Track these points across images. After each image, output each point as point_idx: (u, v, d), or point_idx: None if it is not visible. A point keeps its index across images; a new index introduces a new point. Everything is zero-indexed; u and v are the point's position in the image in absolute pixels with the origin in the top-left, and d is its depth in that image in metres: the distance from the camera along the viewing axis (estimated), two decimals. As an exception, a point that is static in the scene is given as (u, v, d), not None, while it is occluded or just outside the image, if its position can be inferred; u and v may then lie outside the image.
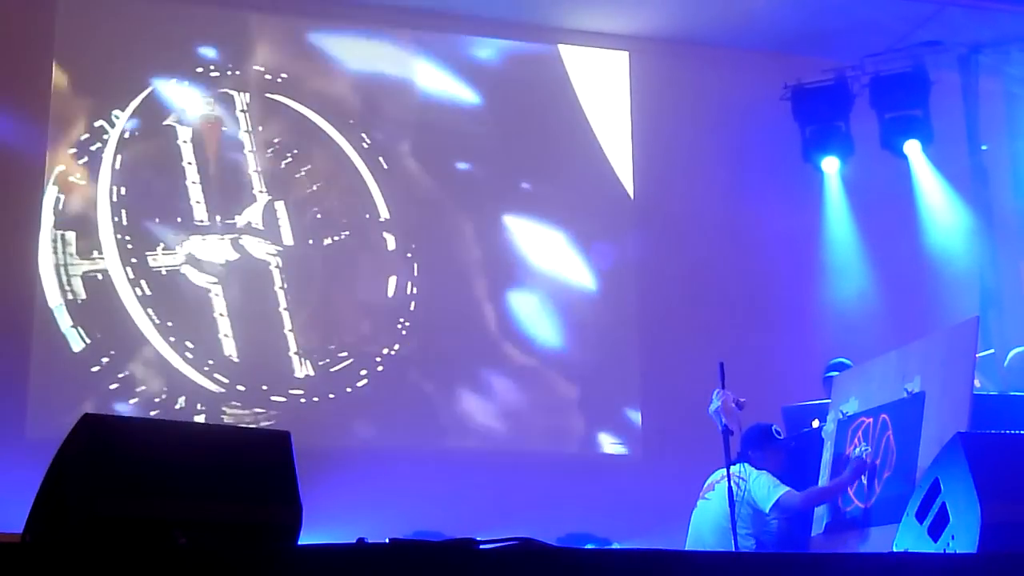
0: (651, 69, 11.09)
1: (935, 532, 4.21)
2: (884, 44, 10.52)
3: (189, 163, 10.07)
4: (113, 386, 9.55)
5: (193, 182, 10.04)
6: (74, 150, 9.85)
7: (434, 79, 10.72)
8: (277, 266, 10.09)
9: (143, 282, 9.78)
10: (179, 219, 9.95)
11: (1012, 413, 6.26)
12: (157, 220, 9.92)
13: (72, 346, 9.51)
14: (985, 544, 3.90)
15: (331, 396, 9.95)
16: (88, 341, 9.56)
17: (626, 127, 10.99)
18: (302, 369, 9.99)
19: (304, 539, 3.66)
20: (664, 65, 11.07)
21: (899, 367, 6.11)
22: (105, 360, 9.56)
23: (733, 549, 6.30)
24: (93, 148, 9.87)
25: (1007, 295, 10.84)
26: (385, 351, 10.17)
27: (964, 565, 3.79)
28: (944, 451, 4.30)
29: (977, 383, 6.23)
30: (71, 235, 9.75)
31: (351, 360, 10.10)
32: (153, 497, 3.50)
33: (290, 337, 10.00)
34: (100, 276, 9.71)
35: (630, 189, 10.89)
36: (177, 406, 9.60)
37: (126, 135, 10.00)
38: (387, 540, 3.40)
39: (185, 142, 10.09)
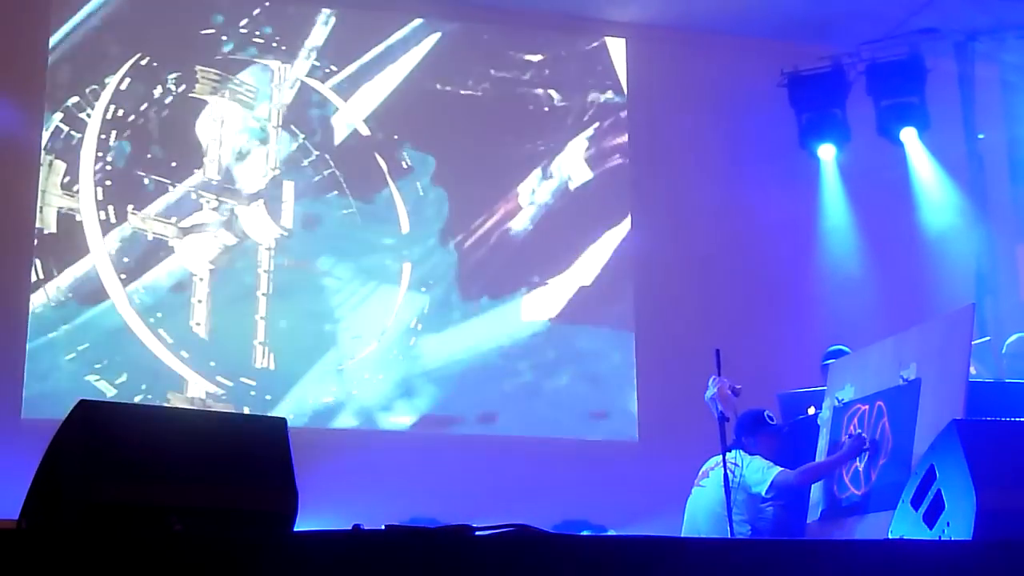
0: (648, 56, 11.09)
1: (930, 519, 4.22)
2: (880, 31, 10.52)
3: (210, 123, 10.01)
4: (52, 334, 9.43)
5: (209, 148, 9.96)
6: (95, 87, 9.81)
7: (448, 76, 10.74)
8: (269, 248, 9.99)
9: (117, 235, 9.66)
10: (179, 182, 9.87)
11: (1008, 400, 6.27)
12: (154, 177, 9.81)
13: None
14: (980, 531, 3.90)
15: (285, 407, 9.65)
16: (42, 276, 9.48)
17: (623, 114, 10.98)
18: (263, 360, 9.80)
19: (300, 526, 3.66)
20: (661, 52, 11.07)
21: (895, 354, 6.11)
22: (53, 304, 9.45)
23: (728, 536, 6.31)
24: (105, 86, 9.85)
25: (1003, 282, 10.86)
26: (366, 375, 9.99)
27: (959, 552, 3.79)
28: (940, 438, 4.30)
29: (973, 370, 6.23)
30: (60, 164, 9.65)
31: (323, 374, 9.90)
32: (149, 483, 3.50)
33: (260, 325, 9.85)
34: (77, 216, 9.62)
35: (627, 176, 10.89)
36: (119, 379, 9.45)
37: (144, 86, 9.93)
38: (383, 526, 3.39)
39: (215, 118, 10.03)
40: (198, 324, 9.70)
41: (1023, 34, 10.56)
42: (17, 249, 9.51)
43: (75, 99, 9.79)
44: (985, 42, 10.82)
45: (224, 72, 10.13)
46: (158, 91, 9.98)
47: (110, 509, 3.41)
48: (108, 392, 9.38)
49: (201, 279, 9.80)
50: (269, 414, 9.22)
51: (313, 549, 3.23)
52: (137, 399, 9.42)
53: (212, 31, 10.20)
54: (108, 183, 9.77)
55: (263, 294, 9.92)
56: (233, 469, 3.68)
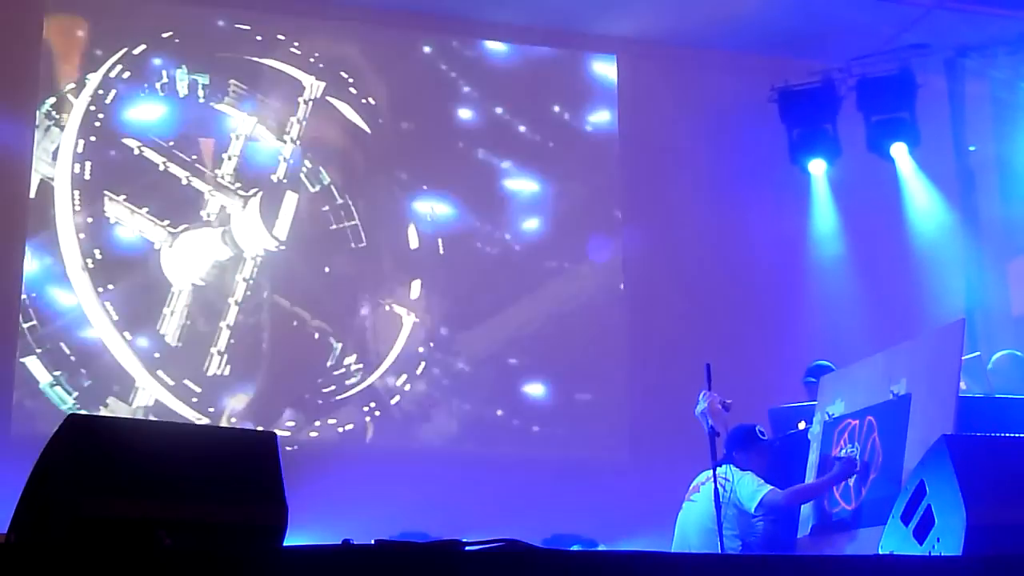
0: (640, 71, 11.10)
1: (920, 534, 4.21)
2: (871, 47, 10.55)
3: (226, 128, 9.94)
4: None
5: (219, 148, 9.89)
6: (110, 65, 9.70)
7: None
8: (254, 257, 9.91)
9: (93, 221, 9.51)
10: (179, 176, 9.77)
11: (998, 416, 6.27)
12: (150, 160, 9.71)
13: None
14: (970, 547, 3.90)
15: (232, 420, 9.42)
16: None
17: (614, 129, 11.00)
18: (215, 368, 9.60)
19: (289, 540, 3.65)
20: (652, 67, 11.09)
21: (885, 369, 6.12)
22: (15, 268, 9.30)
23: (719, 551, 6.30)
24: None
25: (993, 297, 10.87)
26: (332, 420, 9.75)
27: (949, 567, 3.79)
28: (930, 453, 4.30)
29: (963, 385, 6.24)
30: (56, 131, 9.55)
31: (289, 401, 9.69)
32: (138, 497, 3.49)
33: (223, 332, 9.68)
34: (54, 184, 9.51)
35: (618, 190, 10.90)
36: (57, 370, 9.24)
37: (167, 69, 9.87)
38: (373, 541, 3.39)
39: (233, 129, 9.98)
40: (164, 334, 9.55)
41: (1013, 51, 10.59)
42: (7, 256, 9.47)
43: (97, 74, 9.73)
44: (975, 58, 10.86)
45: (254, 81, 10.08)
46: (183, 89, 9.91)
47: (99, 523, 3.39)
48: (42, 378, 9.21)
49: (180, 292, 9.66)
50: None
51: (303, 564, 3.22)
52: (74, 395, 9.25)
53: (247, 28, 10.18)
54: (91, 164, 9.63)
55: (236, 302, 9.77)
56: (223, 483, 3.67)
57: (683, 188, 10.88)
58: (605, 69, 11.13)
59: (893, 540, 4.38)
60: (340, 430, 9.77)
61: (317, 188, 10.15)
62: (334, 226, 10.12)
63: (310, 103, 10.20)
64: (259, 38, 10.21)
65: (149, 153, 9.77)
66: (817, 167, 10.83)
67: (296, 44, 10.26)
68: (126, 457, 3.57)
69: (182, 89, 9.92)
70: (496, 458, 9.96)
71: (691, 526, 6.78)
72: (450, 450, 9.97)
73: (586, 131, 10.98)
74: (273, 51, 10.23)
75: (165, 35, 9.98)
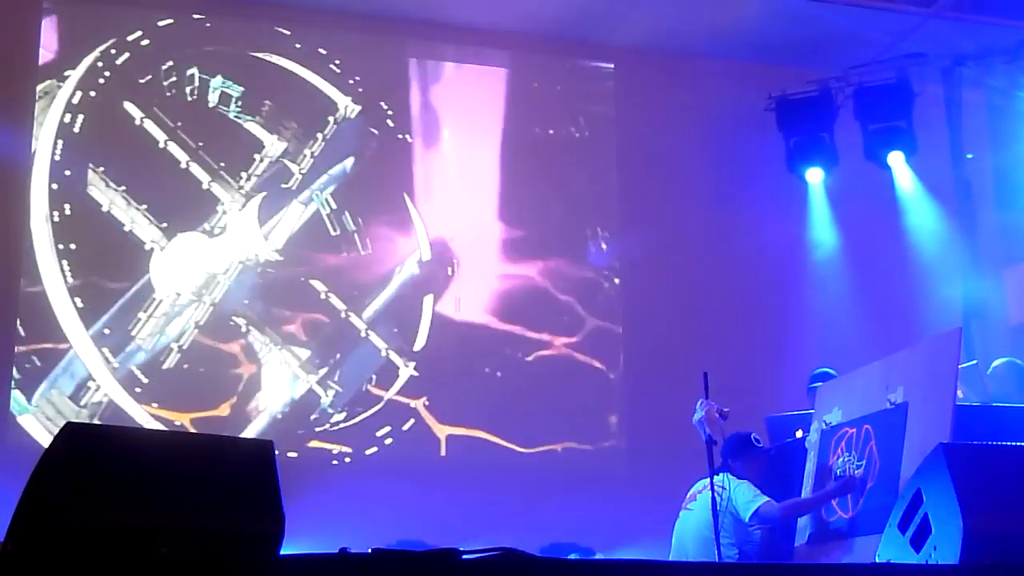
0: (637, 80, 11.12)
1: (917, 543, 4.21)
2: (868, 56, 10.56)
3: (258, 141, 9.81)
4: None
5: (250, 177, 9.78)
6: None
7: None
8: (243, 261, 9.77)
9: (64, 183, 9.29)
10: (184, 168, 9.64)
11: (995, 424, 6.27)
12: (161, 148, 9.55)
13: None
14: (967, 555, 3.90)
15: (178, 423, 9.22)
16: None
17: (611, 138, 11.01)
18: (169, 362, 9.35)
19: (286, 549, 3.65)
20: (650, 76, 11.10)
21: (882, 377, 6.12)
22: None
23: (716, 559, 6.30)
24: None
25: (990, 306, 10.88)
26: (292, 454, 9.51)
27: (946, 576, 3.79)
28: (926, 462, 4.30)
29: (960, 394, 6.25)
30: (47, 100, 9.33)
31: (255, 414, 9.54)
32: (135, 506, 3.48)
33: (190, 332, 9.48)
34: (41, 128, 9.30)
35: (615, 200, 10.91)
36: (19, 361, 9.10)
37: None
38: (369, 550, 3.38)
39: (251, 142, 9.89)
40: (133, 336, 9.38)
41: (1009, 59, 10.60)
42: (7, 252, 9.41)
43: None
44: (972, 67, 10.87)
45: (284, 92, 10.02)
46: (213, 98, 9.82)
47: (96, 532, 3.39)
48: None
49: (160, 302, 9.51)
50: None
51: (300, 572, 3.22)
52: (18, 376, 9.11)
53: (288, 33, 10.12)
54: (83, 117, 9.46)
55: (210, 302, 9.62)
56: (220, 492, 3.67)
57: (680, 196, 10.88)
58: (603, 78, 11.14)
59: (890, 548, 4.38)
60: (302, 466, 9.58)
61: (325, 204, 10.10)
62: (335, 244, 10.09)
63: (341, 123, 10.15)
64: (298, 46, 10.16)
65: (150, 126, 9.57)
66: (814, 176, 10.83)
67: (337, 61, 10.23)
68: (123, 465, 3.56)
69: (213, 97, 9.81)
70: (493, 466, 9.95)
71: (688, 534, 6.79)
72: (447, 458, 9.96)
73: (584, 139, 10.98)
74: (311, 64, 10.19)
75: (197, 16, 9.90)
